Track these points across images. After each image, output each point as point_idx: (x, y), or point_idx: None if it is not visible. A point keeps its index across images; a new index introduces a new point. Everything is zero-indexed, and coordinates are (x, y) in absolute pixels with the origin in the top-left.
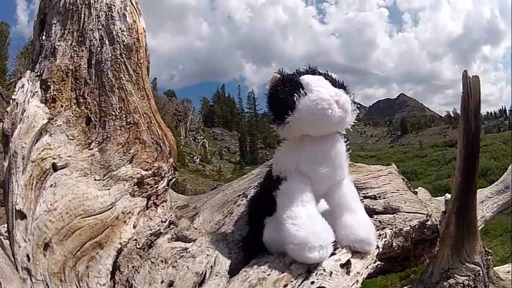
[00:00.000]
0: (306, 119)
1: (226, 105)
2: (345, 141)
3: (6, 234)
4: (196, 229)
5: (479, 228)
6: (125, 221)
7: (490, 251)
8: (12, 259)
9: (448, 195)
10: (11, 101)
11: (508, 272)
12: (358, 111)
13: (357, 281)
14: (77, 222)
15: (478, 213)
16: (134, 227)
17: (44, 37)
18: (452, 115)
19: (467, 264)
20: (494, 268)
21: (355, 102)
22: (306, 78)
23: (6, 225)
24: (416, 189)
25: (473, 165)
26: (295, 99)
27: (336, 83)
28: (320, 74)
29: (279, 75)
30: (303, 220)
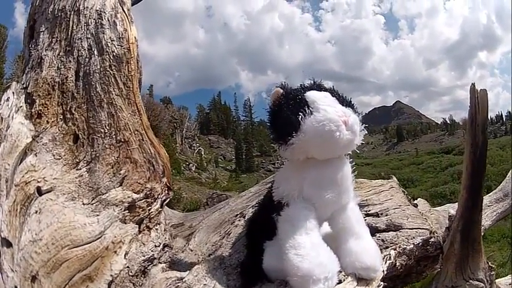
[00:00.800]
0: (311, 141)
1: (222, 113)
2: (351, 162)
3: None
4: (192, 251)
5: None
6: (115, 251)
7: (493, 266)
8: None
9: (452, 211)
10: None
11: (509, 284)
12: (366, 132)
13: None
14: (64, 253)
15: None
16: (126, 256)
17: (33, 45)
18: (448, 122)
19: (471, 281)
20: (496, 281)
21: (363, 122)
22: (311, 95)
23: None
24: (415, 201)
25: (480, 182)
26: (300, 118)
27: (343, 101)
28: (326, 89)
29: (281, 90)
30: (306, 250)
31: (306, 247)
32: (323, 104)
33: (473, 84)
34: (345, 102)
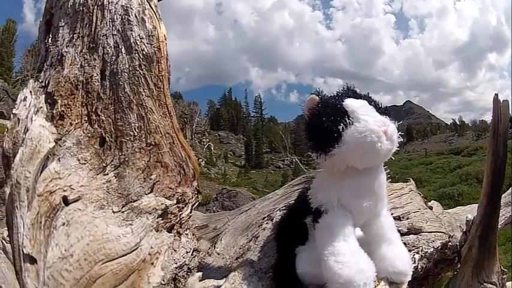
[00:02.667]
0: (352, 152)
1: (232, 109)
2: (385, 169)
3: (8, 238)
4: (219, 254)
5: None
6: (152, 263)
7: (505, 270)
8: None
9: (469, 216)
10: (12, 115)
11: None
12: (402, 139)
13: None
14: (98, 269)
15: None
16: (163, 268)
17: (50, 40)
18: (457, 123)
19: (485, 284)
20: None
21: (399, 130)
22: (350, 105)
23: (7, 228)
24: (429, 203)
25: (498, 190)
26: (340, 129)
27: (379, 109)
28: (361, 96)
29: (317, 98)
30: (346, 257)
31: (345, 254)
32: (363, 113)
33: (496, 95)
34: (381, 110)
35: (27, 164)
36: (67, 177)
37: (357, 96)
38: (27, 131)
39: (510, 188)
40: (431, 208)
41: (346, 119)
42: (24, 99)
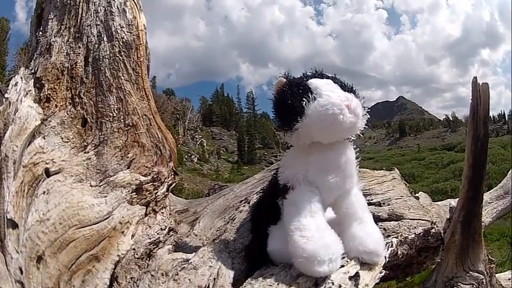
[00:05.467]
0: (315, 125)
1: (225, 105)
2: (354, 148)
3: None
4: (196, 236)
5: None
6: (122, 232)
7: (493, 259)
8: (6, 269)
9: (453, 203)
10: (4, 99)
11: (509, 279)
12: (369, 116)
13: None
14: (72, 233)
15: None
16: (133, 237)
17: (40, 33)
18: (450, 119)
19: (471, 272)
20: (496, 275)
21: (365, 107)
22: (314, 82)
23: None
24: (417, 194)
25: (481, 173)
26: (303, 104)
27: (345, 87)
28: (328, 77)
29: (285, 79)
30: (311, 232)
31: (311, 229)
32: (326, 89)
33: (475, 78)
34: (347, 88)
35: (15, 139)
36: (50, 152)
37: (324, 77)
38: (16, 112)
39: (502, 181)
40: (417, 198)
41: (310, 95)
42: (16, 85)
